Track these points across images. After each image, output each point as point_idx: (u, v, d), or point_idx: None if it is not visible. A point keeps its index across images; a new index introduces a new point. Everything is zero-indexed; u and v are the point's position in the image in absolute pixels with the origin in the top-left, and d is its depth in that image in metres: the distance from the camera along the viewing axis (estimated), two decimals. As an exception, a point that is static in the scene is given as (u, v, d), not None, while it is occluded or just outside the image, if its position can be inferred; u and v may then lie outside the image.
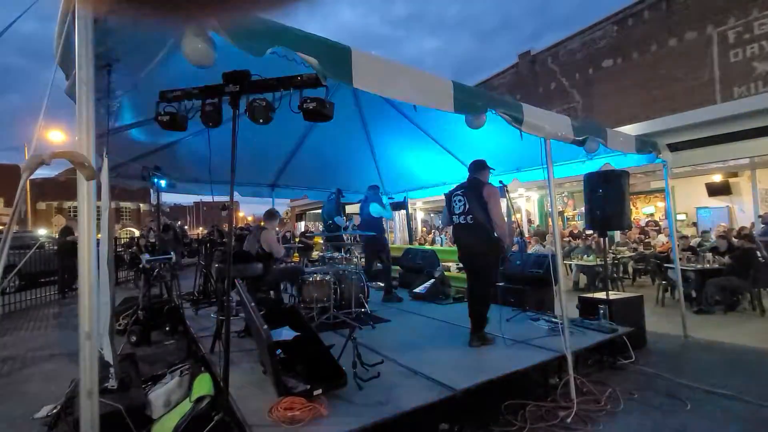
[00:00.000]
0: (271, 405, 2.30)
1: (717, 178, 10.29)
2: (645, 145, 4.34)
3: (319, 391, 2.41)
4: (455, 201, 3.67)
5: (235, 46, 1.81)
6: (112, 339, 2.77)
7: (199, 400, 2.59)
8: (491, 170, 3.75)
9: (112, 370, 2.69)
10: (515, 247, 7.67)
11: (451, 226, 3.83)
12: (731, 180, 10.15)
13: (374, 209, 5.43)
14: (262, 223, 4.89)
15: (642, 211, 12.74)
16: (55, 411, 2.82)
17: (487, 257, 3.55)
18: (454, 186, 3.84)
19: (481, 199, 3.48)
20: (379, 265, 5.84)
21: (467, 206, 3.55)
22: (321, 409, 2.28)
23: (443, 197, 3.93)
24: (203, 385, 2.72)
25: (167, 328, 4.79)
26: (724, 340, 4.50)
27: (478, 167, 3.70)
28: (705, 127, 7.76)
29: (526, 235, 10.76)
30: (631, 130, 7.80)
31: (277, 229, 5.05)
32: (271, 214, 5.00)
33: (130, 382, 2.82)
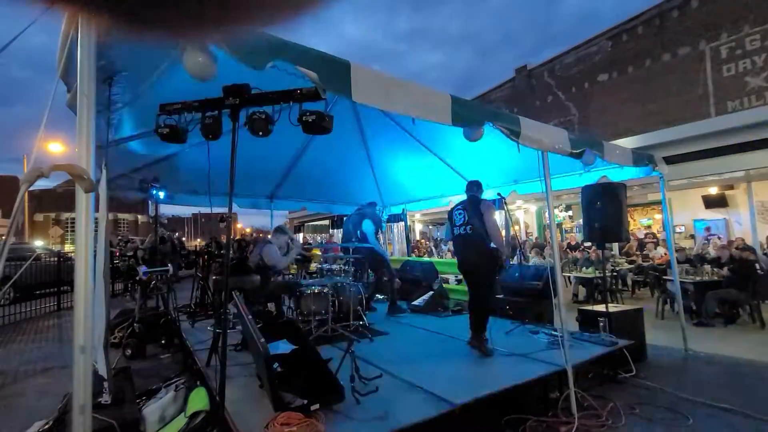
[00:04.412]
0: (268, 420, 2.26)
1: (713, 190, 10.36)
2: (641, 157, 4.38)
3: (317, 406, 2.38)
4: (456, 214, 3.95)
5: (236, 60, 1.83)
6: (106, 352, 2.73)
7: (194, 415, 2.55)
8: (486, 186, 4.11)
9: (106, 384, 2.64)
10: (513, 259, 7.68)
11: (452, 240, 4.11)
12: (727, 192, 10.21)
13: (366, 226, 5.38)
14: (270, 236, 4.87)
15: (639, 222, 12.79)
16: (46, 427, 2.76)
17: (485, 265, 3.76)
18: (457, 202, 4.14)
19: (479, 212, 3.75)
20: (384, 278, 5.81)
21: (467, 218, 3.82)
22: (318, 425, 2.24)
23: (443, 209, 4.08)
24: (198, 400, 2.68)
25: (163, 341, 4.73)
26: (725, 353, 4.47)
27: (475, 186, 4.05)
28: (701, 141, 7.85)
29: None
30: (627, 143, 7.89)
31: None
32: (278, 230, 5.00)
33: (124, 397, 2.77)
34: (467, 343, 3.76)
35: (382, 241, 5.71)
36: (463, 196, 4.17)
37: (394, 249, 12.44)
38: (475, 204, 3.85)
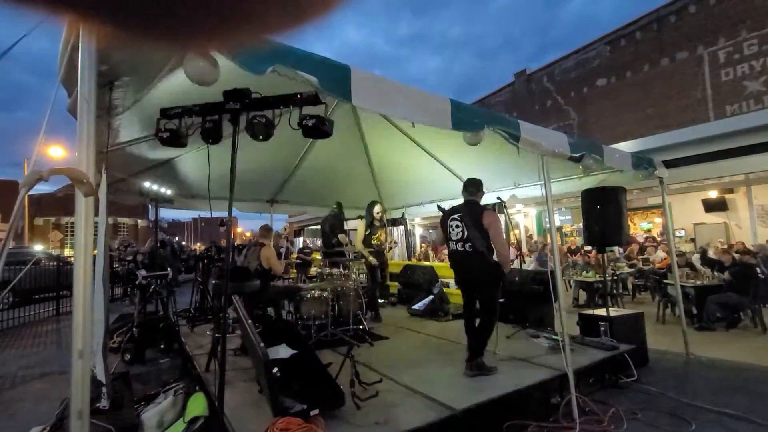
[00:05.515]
0: (267, 426, 2.24)
1: (713, 194, 10.36)
2: (641, 161, 4.38)
3: (316, 411, 2.36)
4: (452, 225, 3.46)
5: (236, 65, 1.84)
6: (105, 357, 2.72)
7: (193, 420, 2.53)
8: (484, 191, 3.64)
9: (104, 389, 2.63)
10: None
11: (447, 249, 3.67)
12: (727, 196, 10.22)
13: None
14: (260, 239, 4.86)
15: (639, 226, 12.78)
16: (44, 432, 2.74)
17: (488, 284, 3.36)
18: (451, 207, 3.68)
19: (480, 227, 3.29)
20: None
21: (465, 234, 3.33)
22: (318, 430, 2.23)
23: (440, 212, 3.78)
24: (197, 405, 2.66)
25: (162, 346, 4.71)
26: (727, 357, 4.45)
27: (474, 188, 3.52)
28: (700, 144, 7.87)
29: (525, 251, 10.75)
30: (627, 147, 7.90)
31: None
32: (266, 230, 4.98)
33: (122, 402, 2.75)
34: (464, 374, 3.22)
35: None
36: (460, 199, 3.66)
37: (394, 253, 12.42)
38: (475, 214, 3.34)
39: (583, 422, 2.84)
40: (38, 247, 16.33)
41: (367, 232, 5.46)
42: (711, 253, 7.86)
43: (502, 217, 3.82)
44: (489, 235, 3.29)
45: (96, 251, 2.54)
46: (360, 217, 5.76)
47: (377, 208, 5.54)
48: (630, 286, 8.60)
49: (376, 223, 5.54)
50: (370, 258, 5.36)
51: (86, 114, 1.63)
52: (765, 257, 6.39)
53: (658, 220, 12.21)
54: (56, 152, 13.86)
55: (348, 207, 7.62)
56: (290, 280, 8.07)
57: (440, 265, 7.93)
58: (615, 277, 7.80)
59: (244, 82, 2.25)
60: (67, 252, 21.06)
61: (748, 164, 7.56)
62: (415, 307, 5.83)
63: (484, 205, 3.59)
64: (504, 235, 3.51)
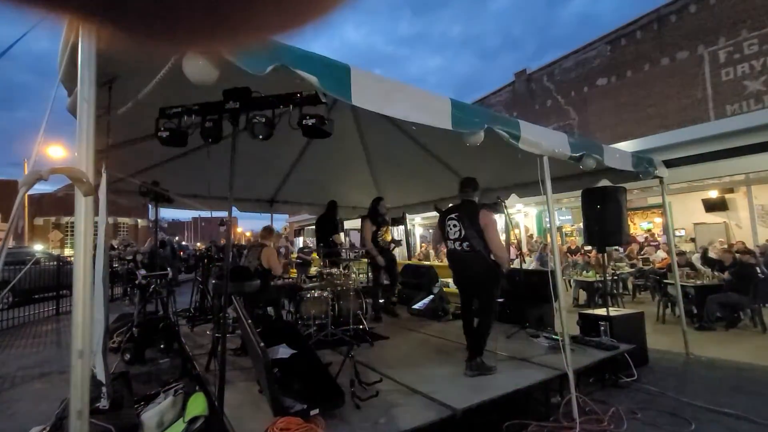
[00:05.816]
0: (267, 425, 2.24)
1: (713, 194, 10.36)
2: (641, 161, 4.38)
3: (316, 410, 2.36)
4: (449, 225, 3.49)
5: (236, 64, 1.84)
6: (105, 357, 2.72)
7: (193, 420, 2.53)
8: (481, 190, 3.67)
9: (104, 389, 2.63)
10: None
11: (445, 248, 3.68)
12: (727, 196, 10.22)
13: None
14: (262, 240, 4.87)
15: (639, 226, 12.78)
16: (44, 432, 2.74)
17: (487, 284, 3.38)
18: (448, 207, 3.71)
19: (476, 226, 3.31)
20: (386, 281, 5.72)
21: (463, 233, 3.36)
22: (318, 430, 2.23)
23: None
24: (197, 405, 2.66)
25: (162, 346, 4.71)
26: (727, 357, 4.45)
27: (471, 187, 3.54)
28: (700, 144, 7.87)
29: (525, 250, 10.76)
30: (627, 146, 7.91)
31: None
32: (269, 230, 4.99)
33: (122, 402, 2.75)
34: (464, 374, 3.19)
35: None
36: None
37: (395, 253, 12.41)
38: (471, 214, 3.35)
39: (583, 422, 2.84)
40: (38, 247, 16.33)
41: (374, 229, 5.44)
42: (711, 253, 7.86)
43: (502, 217, 3.83)
44: (485, 236, 3.30)
45: (96, 251, 2.54)
46: (362, 216, 5.75)
47: (382, 204, 5.55)
48: (630, 286, 8.60)
49: (381, 220, 5.54)
50: (379, 258, 5.33)
51: (86, 114, 1.63)
52: (767, 258, 6.39)
53: (658, 220, 12.20)
54: (56, 152, 13.85)
55: (348, 207, 7.63)
56: (290, 279, 8.08)
57: (440, 264, 7.93)
58: (615, 277, 7.80)
59: (244, 81, 2.25)
60: (67, 252, 21.04)
61: (748, 164, 7.57)
62: (415, 306, 5.83)
63: (481, 205, 3.62)
64: (502, 235, 3.54)
